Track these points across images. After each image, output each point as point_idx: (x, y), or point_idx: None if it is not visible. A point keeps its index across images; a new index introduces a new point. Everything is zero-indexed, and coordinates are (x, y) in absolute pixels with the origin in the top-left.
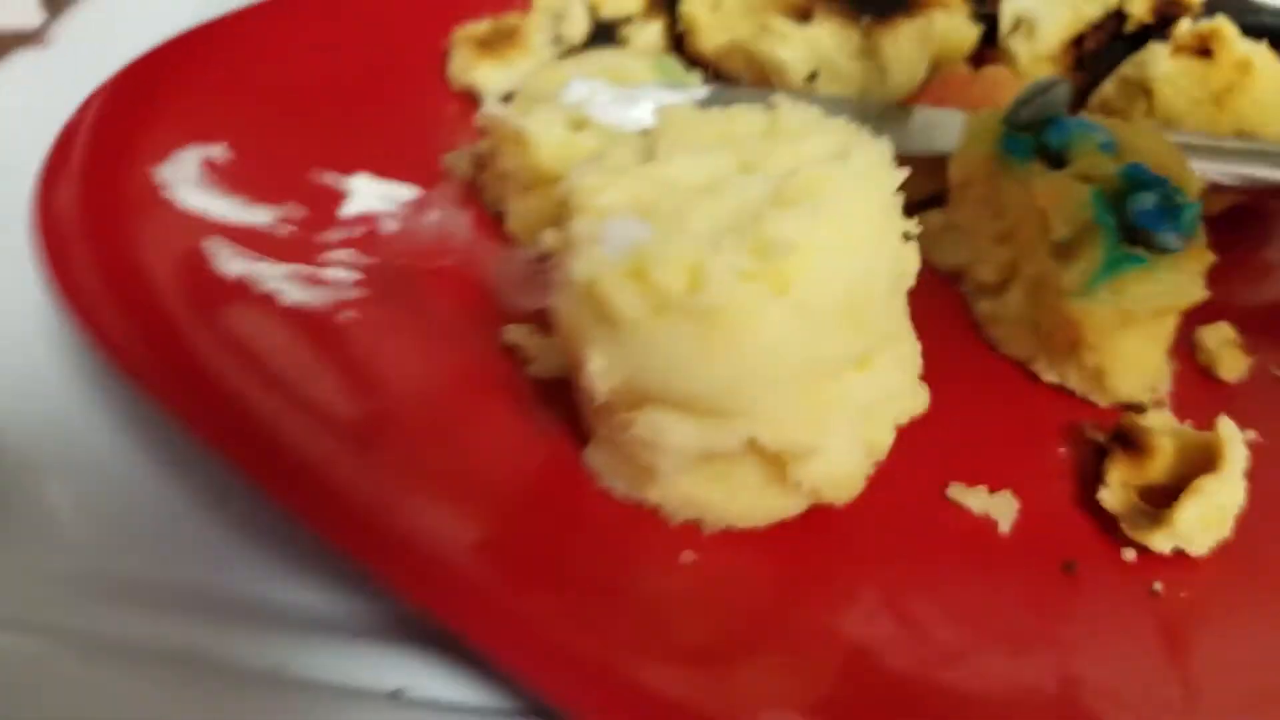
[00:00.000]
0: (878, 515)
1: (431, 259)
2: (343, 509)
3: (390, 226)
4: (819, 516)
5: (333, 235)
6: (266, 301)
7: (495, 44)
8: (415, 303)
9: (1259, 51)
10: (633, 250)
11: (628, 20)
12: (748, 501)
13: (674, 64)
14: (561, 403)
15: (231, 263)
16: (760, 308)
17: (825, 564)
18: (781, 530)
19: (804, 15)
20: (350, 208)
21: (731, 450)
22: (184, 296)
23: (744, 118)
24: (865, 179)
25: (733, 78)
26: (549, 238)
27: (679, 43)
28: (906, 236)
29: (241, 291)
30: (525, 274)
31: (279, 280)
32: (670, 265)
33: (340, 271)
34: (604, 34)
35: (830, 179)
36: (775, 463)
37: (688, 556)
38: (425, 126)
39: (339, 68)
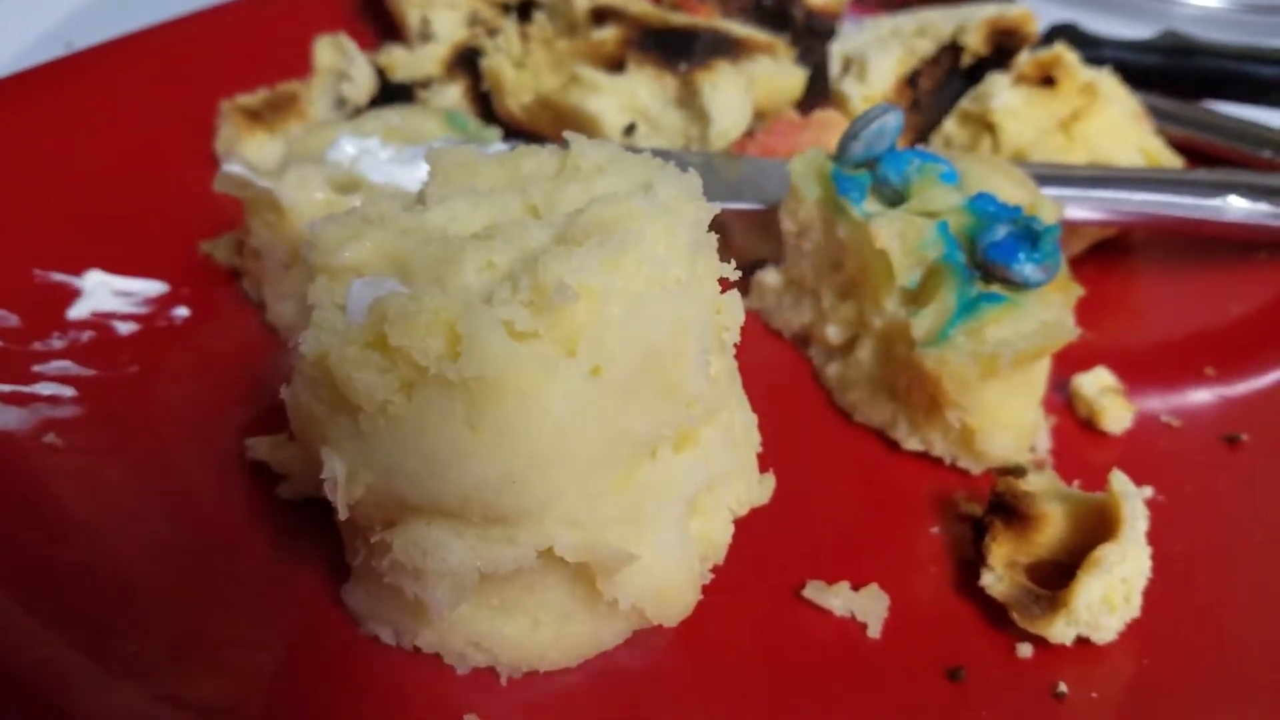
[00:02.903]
0: (719, 633)
1: (172, 363)
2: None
3: (126, 329)
4: (645, 644)
5: (52, 343)
6: None
7: (269, 114)
8: (145, 418)
9: (1103, 77)
10: (375, 312)
11: (425, 83)
12: (551, 634)
13: (468, 119)
14: (320, 530)
15: None
16: (542, 374)
17: (657, 706)
18: (599, 667)
19: (616, 65)
20: (79, 310)
21: (523, 568)
22: None
23: (532, 158)
24: (669, 214)
25: (544, 138)
26: (282, 311)
27: (485, 104)
28: (726, 283)
29: None
30: (278, 370)
31: None
32: (422, 326)
33: (53, 386)
34: (397, 98)
35: (627, 214)
36: (582, 578)
37: None
38: (181, 213)
39: (79, 152)
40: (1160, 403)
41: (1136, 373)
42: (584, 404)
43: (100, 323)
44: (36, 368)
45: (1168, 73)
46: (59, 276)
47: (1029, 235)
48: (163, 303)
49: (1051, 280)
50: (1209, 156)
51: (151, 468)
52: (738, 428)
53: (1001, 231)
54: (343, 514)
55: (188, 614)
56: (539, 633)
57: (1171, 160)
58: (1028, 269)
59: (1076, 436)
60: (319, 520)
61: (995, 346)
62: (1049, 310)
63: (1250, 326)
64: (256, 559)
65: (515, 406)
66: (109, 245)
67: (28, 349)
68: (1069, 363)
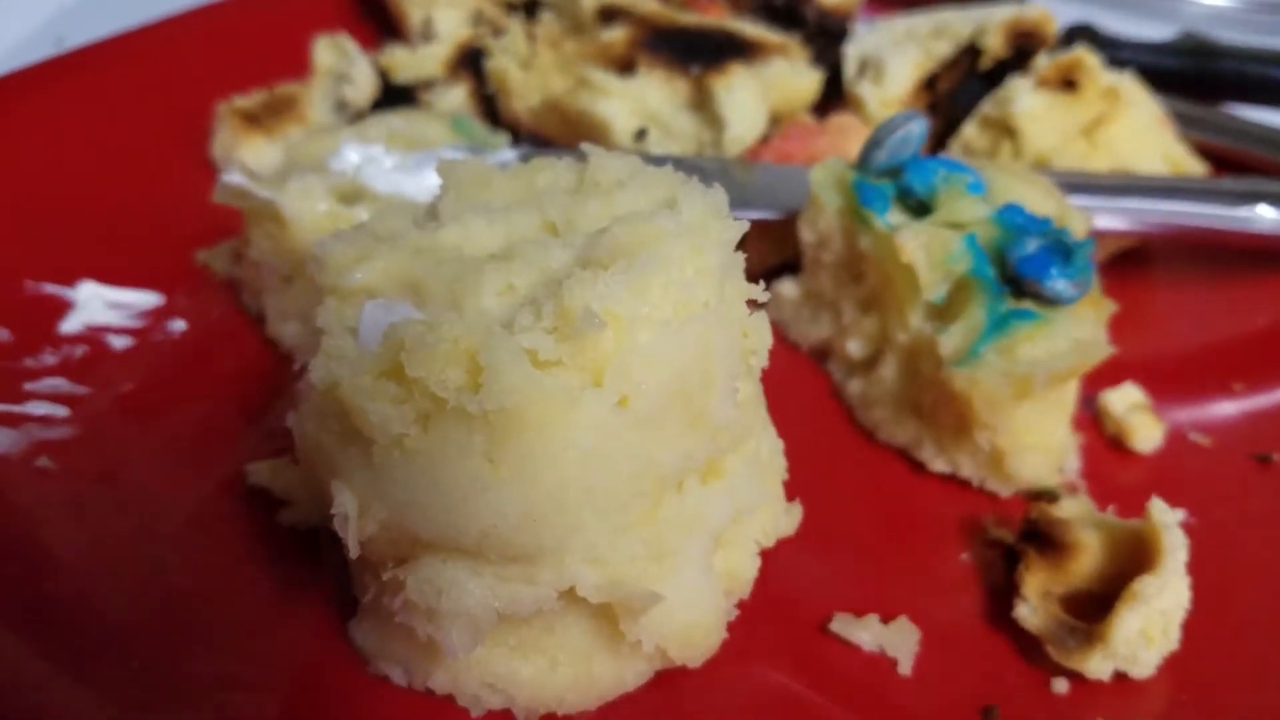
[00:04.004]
0: (745, 672)
1: (168, 380)
2: None
3: (120, 343)
4: (668, 684)
5: (44, 359)
6: None
7: (267, 117)
8: (140, 439)
9: (1125, 81)
10: (389, 340)
11: (428, 84)
12: (571, 675)
13: (474, 124)
14: (324, 560)
15: None
16: (567, 405)
17: None
18: (620, 709)
19: (626, 66)
20: (72, 323)
21: (543, 608)
22: None
23: (548, 171)
24: (696, 234)
25: (552, 143)
26: (288, 332)
27: (490, 107)
28: (753, 304)
29: None
30: (282, 390)
31: None
32: (441, 356)
33: (45, 405)
34: (399, 100)
35: (652, 235)
36: (603, 618)
37: None
38: (177, 220)
39: (69, 156)
40: (1188, 420)
41: (1162, 388)
42: (610, 436)
43: (93, 337)
44: (28, 385)
45: (1188, 76)
46: (50, 288)
47: (1061, 249)
48: (158, 315)
49: (1084, 296)
50: (1231, 162)
51: (147, 493)
52: (764, 454)
53: (1032, 245)
54: (353, 551)
55: (184, 651)
56: (558, 674)
57: (1196, 167)
58: (1060, 284)
59: (1105, 456)
60: (324, 550)
61: (1028, 366)
62: (1082, 327)
63: (1279, 341)
64: (257, 591)
65: (538, 439)
66: (102, 254)
67: (19, 365)
68: (1094, 378)
